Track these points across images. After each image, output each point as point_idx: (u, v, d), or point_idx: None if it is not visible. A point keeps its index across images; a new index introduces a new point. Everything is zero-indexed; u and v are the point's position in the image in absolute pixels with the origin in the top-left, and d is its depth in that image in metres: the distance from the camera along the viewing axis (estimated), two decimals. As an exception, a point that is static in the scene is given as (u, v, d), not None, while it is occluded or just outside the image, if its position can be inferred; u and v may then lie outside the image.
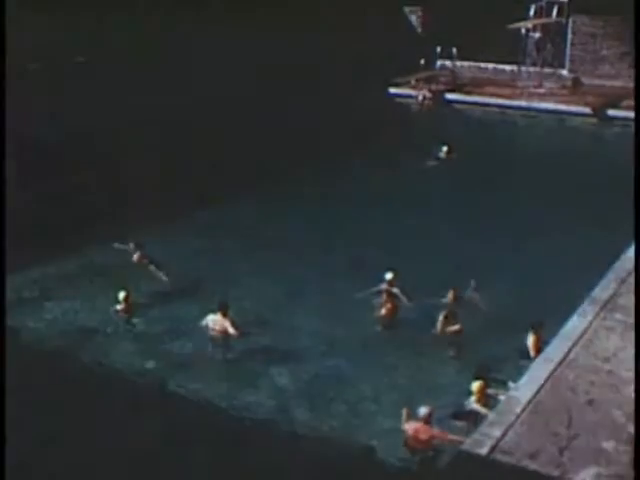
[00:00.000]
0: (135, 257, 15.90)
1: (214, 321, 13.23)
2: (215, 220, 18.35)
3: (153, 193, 18.43)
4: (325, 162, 21.60)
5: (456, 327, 12.92)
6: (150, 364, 12.56)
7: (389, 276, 14.30)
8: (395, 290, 14.16)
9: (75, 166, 19.23)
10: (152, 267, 15.59)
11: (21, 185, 16.11)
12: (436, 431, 10.30)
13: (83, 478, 9.89)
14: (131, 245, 16.15)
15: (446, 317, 12.99)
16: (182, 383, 11.97)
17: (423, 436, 10.24)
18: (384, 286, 14.21)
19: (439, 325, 12.99)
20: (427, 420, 10.28)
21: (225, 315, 13.21)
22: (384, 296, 13.88)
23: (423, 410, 10.32)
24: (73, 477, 9.89)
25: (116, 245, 16.34)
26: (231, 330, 13.12)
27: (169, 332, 13.51)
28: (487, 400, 10.71)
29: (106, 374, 12.17)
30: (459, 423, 10.64)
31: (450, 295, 13.71)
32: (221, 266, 15.92)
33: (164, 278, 15.31)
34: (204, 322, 13.30)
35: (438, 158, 22.62)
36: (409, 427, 10.34)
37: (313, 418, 11.10)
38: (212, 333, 13.28)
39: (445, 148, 22.78)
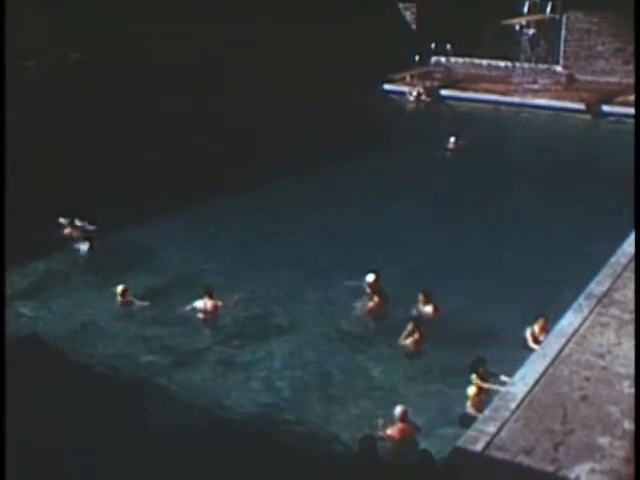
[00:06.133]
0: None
1: (202, 304, 13.30)
2: (213, 214, 18.23)
3: (151, 187, 18.36)
4: (329, 157, 21.51)
5: (415, 337, 12.48)
6: (148, 357, 12.43)
7: (371, 277, 13.82)
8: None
9: (70, 160, 19.15)
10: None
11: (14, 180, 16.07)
12: (414, 428, 10.21)
13: (83, 475, 9.82)
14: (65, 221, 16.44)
15: (415, 327, 12.56)
16: (176, 377, 11.87)
17: (409, 435, 10.13)
18: (367, 284, 13.93)
19: (401, 338, 12.56)
20: (404, 418, 10.13)
21: (211, 297, 13.32)
22: (369, 291, 13.69)
23: (398, 409, 10.16)
24: (72, 475, 9.82)
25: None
26: (223, 304, 13.25)
27: (166, 325, 13.35)
28: (482, 404, 10.49)
29: (104, 369, 12.09)
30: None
31: (420, 297, 13.32)
32: (218, 259, 15.83)
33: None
34: (190, 306, 13.34)
35: (446, 149, 22.86)
36: (392, 431, 10.13)
37: (303, 412, 10.98)
38: (200, 316, 13.30)
39: (453, 139, 22.99)
